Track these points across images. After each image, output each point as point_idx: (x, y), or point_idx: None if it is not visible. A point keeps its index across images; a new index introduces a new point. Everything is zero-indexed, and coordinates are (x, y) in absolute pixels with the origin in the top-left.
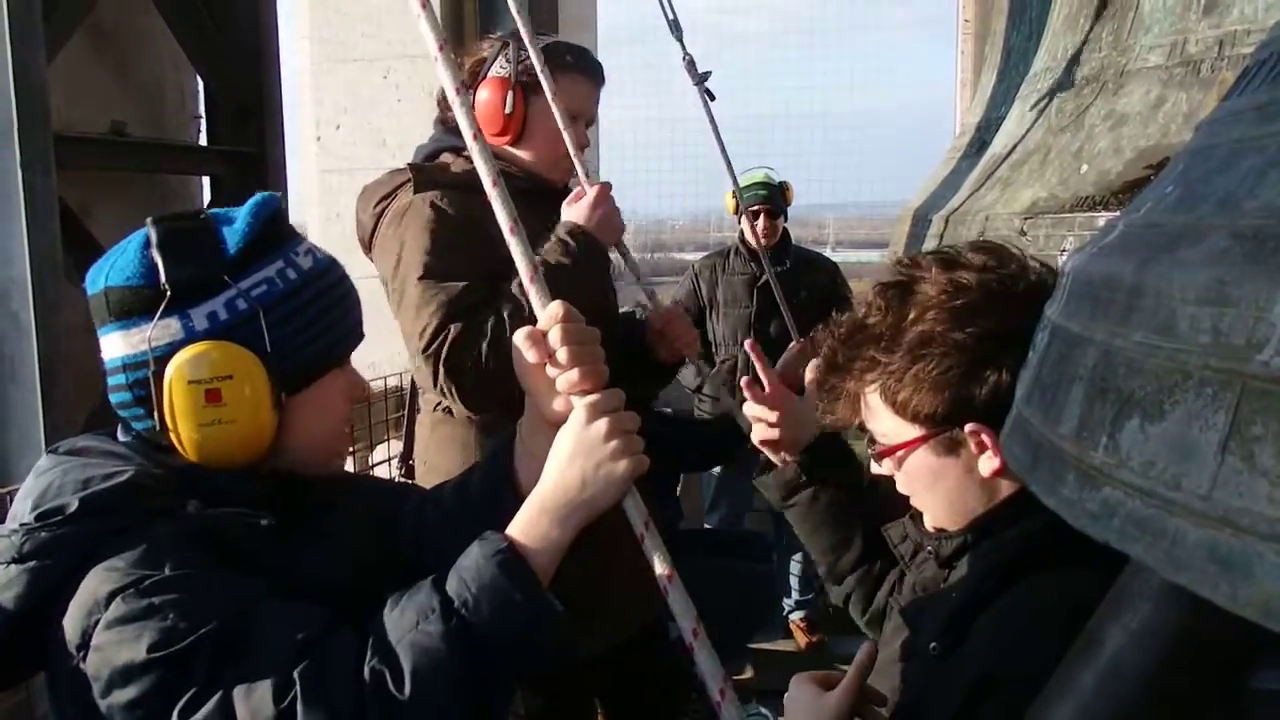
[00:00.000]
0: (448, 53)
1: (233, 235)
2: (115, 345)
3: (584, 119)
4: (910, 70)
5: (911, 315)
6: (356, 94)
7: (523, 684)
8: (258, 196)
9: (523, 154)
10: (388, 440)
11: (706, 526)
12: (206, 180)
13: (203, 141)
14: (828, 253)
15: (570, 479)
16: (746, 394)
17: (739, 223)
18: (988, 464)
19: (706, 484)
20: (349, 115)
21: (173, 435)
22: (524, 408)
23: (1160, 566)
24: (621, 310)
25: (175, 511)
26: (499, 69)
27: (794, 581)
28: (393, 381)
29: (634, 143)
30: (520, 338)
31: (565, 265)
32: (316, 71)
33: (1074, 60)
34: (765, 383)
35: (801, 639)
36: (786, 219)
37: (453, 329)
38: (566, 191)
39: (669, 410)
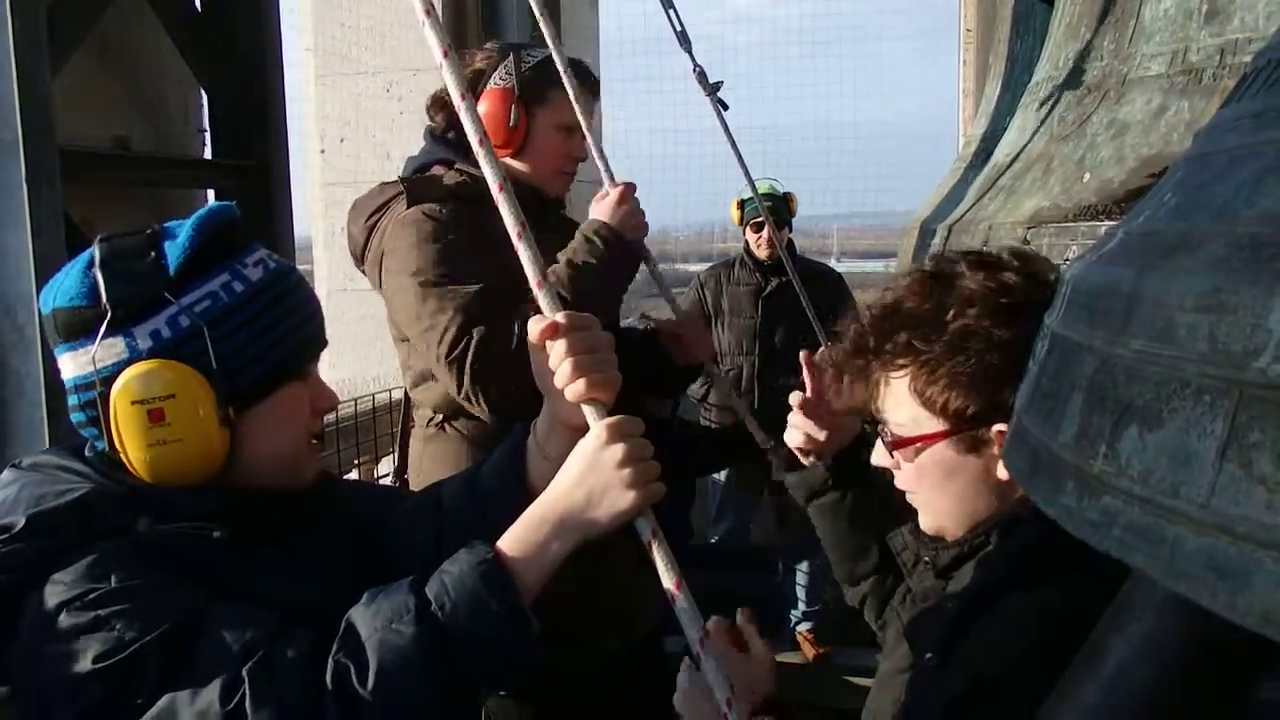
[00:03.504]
0: (453, 58)
1: (174, 249)
2: (66, 367)
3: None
4: (912, 81)
5: (953, 309)
6: (360, 107)
7: (517, 697)
8: (206, 207)
9: (521, 166)
10: (392, 453)
11: (713, 540)
12: (211, 193)
13: (207, 154)
14: (832, 263)
15: (576, 498)
16: (794, 404)
17: (744, 233)
18: (1005, 470)
19: (712, 495)
20: (352, 129)
21: (122, 455)
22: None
23: (1160, 575)
24: (625, 323)
25: (125, 529)
26: (499, 80)
27: (800, 593)
28: (397, 395)
29: (636, 154)
30: (533, 335)
31: (592, 264)
32: (320, 85)
33: (1076, 69)
34: (812, 393)
35: (809, 650)
36: (791, 230)
37: (475, 334)
38: (561, 202)
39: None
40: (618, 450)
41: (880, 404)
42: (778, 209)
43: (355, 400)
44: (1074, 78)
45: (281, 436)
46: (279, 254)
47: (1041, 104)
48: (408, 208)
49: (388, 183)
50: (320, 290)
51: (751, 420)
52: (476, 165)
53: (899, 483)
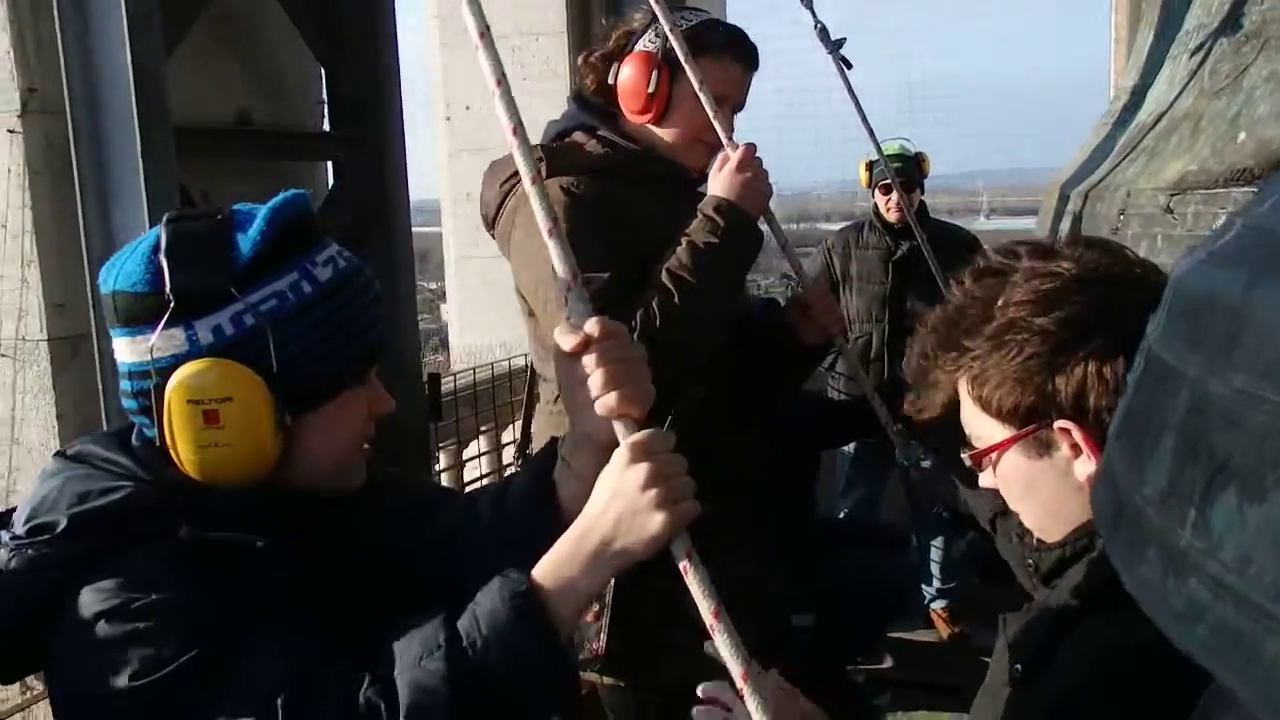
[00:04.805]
0: (488, 41)
1: (245, 243)
2: (122, 351)
3: (730, 104)
4: (1063, 31)
5: (1000, 303)
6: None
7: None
8: (279, 197)
9: (663, 134)
10: (514, 422)
11: (840, 515)
12: (330, 165)
13: (325, 127)
14: (980, 220)
15: (604, 525)
16: None
17: (873, 195)
18: (1083, 467)
19: (841, 468)
20: (478, 95)
21: (172, 450)
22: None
23: (1250, 700)
24: (765, 285)
25: (168, 534)
26: (646, 44)
27: (935, 569)
28: (518, 363)
29: (775, 114)
30: (559, 348)
31: (714, 244)
32: (445, 52)
33: (1231, 15)
34: None
35: (943, 629)
36: (923, 191)
37: None
38: (705, 177)
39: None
40: (642, 470)
41: (963, 418)
42: (907, 170)
43: (474, 369)
44: (1229, 24)
45: (335, 441)
46: (395, 226)
47: (1191, 55)
48: (546, 178)
49: None
50: (448, 256)
51: (877, 401)
52: (621, 134)
53: (1004, 498)
